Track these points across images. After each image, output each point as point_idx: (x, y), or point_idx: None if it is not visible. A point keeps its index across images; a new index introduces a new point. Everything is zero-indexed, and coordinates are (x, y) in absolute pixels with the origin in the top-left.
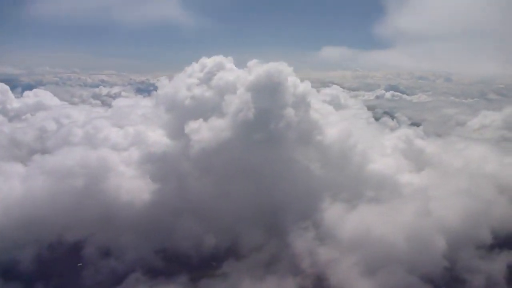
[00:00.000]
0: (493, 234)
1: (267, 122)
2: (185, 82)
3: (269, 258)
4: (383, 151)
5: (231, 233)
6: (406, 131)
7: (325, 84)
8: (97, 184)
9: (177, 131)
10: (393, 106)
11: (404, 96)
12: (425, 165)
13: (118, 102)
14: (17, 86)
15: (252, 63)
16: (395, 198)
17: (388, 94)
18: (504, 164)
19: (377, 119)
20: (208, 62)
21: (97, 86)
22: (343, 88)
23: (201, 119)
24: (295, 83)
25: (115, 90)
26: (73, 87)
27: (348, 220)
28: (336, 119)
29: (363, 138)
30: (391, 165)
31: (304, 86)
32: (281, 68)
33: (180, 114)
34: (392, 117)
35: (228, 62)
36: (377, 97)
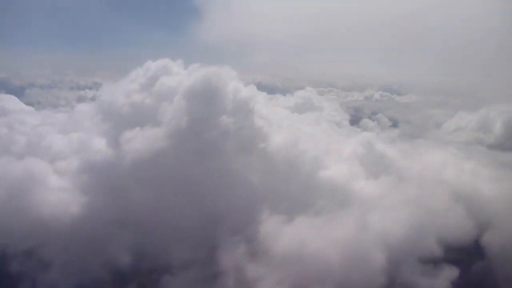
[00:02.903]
0: (441, 247)
1: (204, 131)
2: (126, 88)
3: (198, 275)
4: (339, 157)
5: (163, 248)
6: (368, 135)
7: (320, 84)
8: (25, 197)
9: (115, 140)
10: (378, 107)
11: (394, 96)
12: (382, 171)
13: (80, 107)
14: (7, 88)
15: (193, 67)
16: (341, 208)
17: (377, 94)
18: (464, 171)
19: (357, 121)
20: (152, 66)
21: (90, 88)
22: (337, 88)
23: (138, 128)
24: (237, 88)
25: (101, 92)
26: (61, 90)
27: (283, 234)
28: (291, 125)
29: (322, 144)
30: (343, 173)
31: (247, 91)
32: (220, 73)
33: (118, 122)
34: (373, 119)
35: (175, 66)
36: (366, 98)
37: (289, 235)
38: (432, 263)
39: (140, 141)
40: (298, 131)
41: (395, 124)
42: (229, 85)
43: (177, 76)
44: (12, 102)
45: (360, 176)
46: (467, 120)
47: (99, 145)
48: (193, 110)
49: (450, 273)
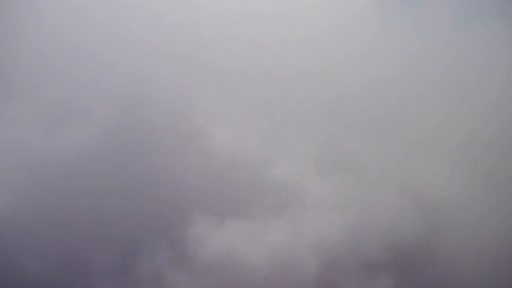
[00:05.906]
0: (389, 251)
1: (137, 128)
2: (63, 82)
3: (115, 284)
4: (295, 155)
5: (84, 254)
6: (334, 130)
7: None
8: None
9: (49, 137)
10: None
11: (381, 89)
12: (339, 169)
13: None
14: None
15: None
16: (282, 209)
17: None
18: (428, 171)
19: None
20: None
21: None
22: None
23: (71, 125)
24: (175, 83)
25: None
26: None
27: (212, 238)
28: (243, 121)
29: (278, 141)
30: (295, 171)
31: (188, 87)
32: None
33: (53, 118)
34: (353, 113)
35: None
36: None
37: (218, 240)
38: (376, 268)
39: (72, 139)
40: (250, 127)
41: (374, 118)
42: (165, 79)
43: None
44: None
45: (312, 175)
46: (450, 115)
47: (35, 142)
48: (125, 106)
49: (397, 278)
